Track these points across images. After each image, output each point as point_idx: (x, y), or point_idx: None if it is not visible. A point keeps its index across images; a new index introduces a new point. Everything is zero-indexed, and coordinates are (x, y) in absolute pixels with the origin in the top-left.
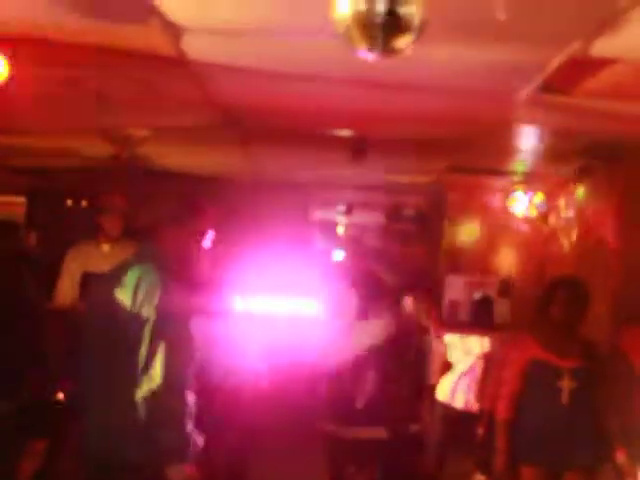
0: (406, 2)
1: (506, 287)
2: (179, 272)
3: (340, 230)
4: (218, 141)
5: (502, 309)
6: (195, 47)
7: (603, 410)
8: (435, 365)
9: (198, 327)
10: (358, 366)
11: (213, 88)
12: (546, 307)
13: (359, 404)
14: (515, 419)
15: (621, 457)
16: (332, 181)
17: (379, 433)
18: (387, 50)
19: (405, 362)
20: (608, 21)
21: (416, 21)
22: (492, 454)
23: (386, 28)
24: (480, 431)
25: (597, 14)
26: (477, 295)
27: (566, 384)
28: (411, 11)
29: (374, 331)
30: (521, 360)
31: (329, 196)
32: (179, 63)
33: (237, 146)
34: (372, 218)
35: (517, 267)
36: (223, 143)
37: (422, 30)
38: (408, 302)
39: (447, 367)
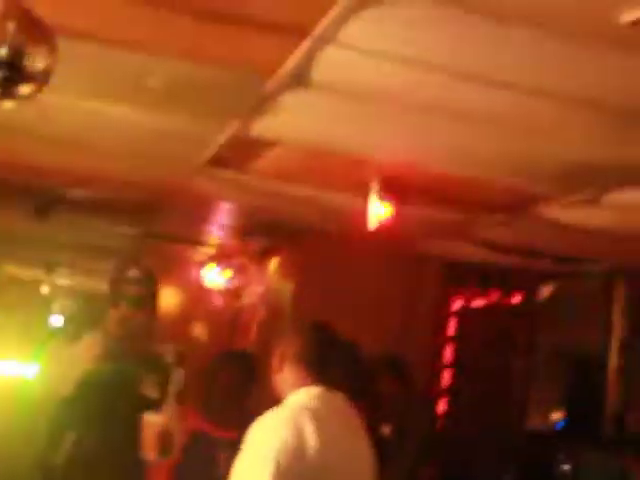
0: (29, 54)
1: (181, 357)
2: None
3: (45, 290)
4: None
5: (177, 378)
6: None
7: None
8: None
9: None
10: None
11: None
12: (211, 379)
13: None
14: None
15: None
16: (26, 238)
17: None
18: (8, 97)
19: None
20: (259, 104)
21: (39, 70)
22: None
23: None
24: None
25: (248, 97)
26: None
27: (222, 455)
28: (34, 62)
29: None
30: (183, 432)
31: (26, 254)
32: None
33: None
34: (79, 280)
35: (208, 337)
36: None
37: (46, 79)
38: None
39: None
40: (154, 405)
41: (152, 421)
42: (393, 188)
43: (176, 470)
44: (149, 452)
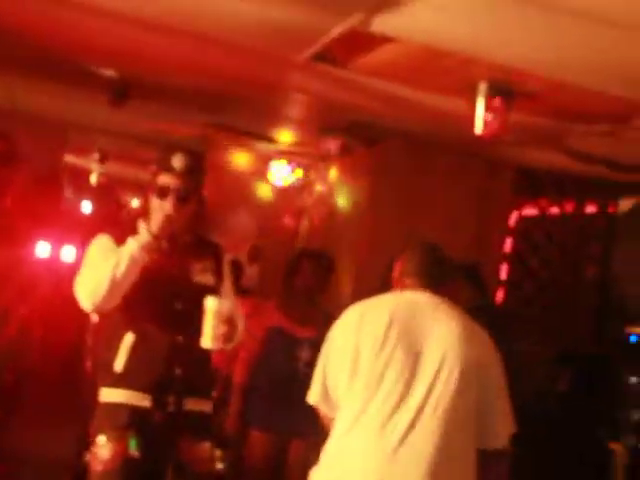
0: None
1: (256, 253)
2: None
3: (93, 179)
4: None
5: (251, 274)
6: None
7: None
8: None
9: None
10: None
11: None
12: (291, 277)
13: None
14: (251, 384)
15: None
16: (89, 124)
17: None
18: None
19: None
20: None
21: None
22: (225, 417)
23: None
24: (214, 393)
25: None
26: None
27: (304, 354)
28: None
29: None
30: (261, 326)
31: (84, 140)
32: None
33: None
34: (129, 169)
35: (269, 235)
36: None
37: None
38: None
39: None
40: (212, 291)
41: (211, 305)
42: (501, 92)
43: (254, 363)
44: (210, 339)
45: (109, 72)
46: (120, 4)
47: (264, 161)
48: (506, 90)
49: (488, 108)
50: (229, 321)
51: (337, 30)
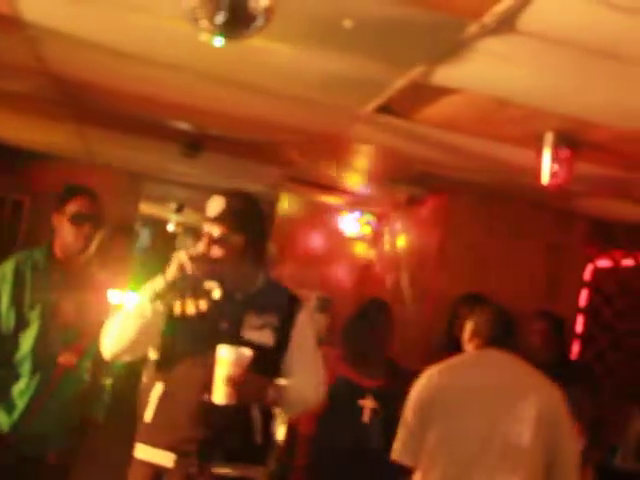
0: None
1: (325, 304)
2: None
3: (170, 228)
4: (51, 115)
5: (320, 324)
6: (32, 7)
7: None
8: None
9: None
10: None
11: (48, 55)
12: (356, 326)
13: None
14: (317, 435)
15: None
16: (166, 176)
17: None
18: (230, 34)
19: None
20: (452, 50)
21: (261, 8)
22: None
23: (231, 11)
24: (281, 443)
25: (443, 41)
26: None
27: (368, 403)
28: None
29: None
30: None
31: (161, 191)
32: (13, 22)
33: (71, 124)
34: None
35: (338, 285)
36: (57, 118)
37: (268, 19)
38: None
39: None
40: (267, 352)
41: (222, 356)
42: (568, 142)
43: (321, 415)
44: (219, 393)
45: (183, 125)
46: (193, 61)
47: (333, 212)
48: (572, 140)
49: (554, 159)
50: (243, 376)
51: (400, 83)
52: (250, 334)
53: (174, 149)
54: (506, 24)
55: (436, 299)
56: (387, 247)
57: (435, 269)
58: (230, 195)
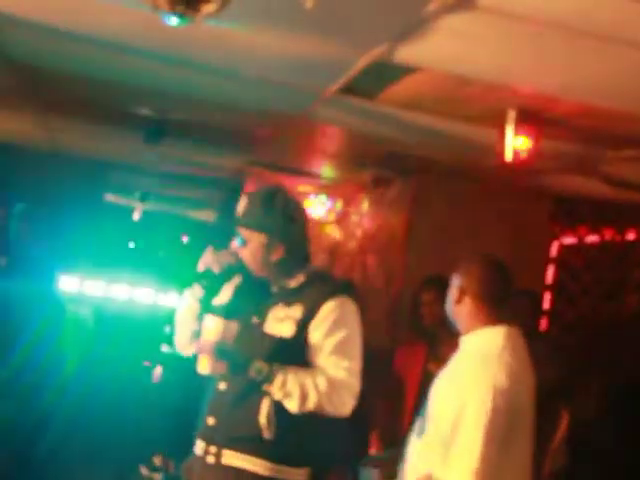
0: None
1: None
2: None
3: (136, 217)
4: (12, 105)
5: None
6: None
7: None
8: None
9: None
10: None
11: (5, 40)
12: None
13: None
14: None
15: None
16: (130, 164)
17: None
18: (189, 14)
19: None
20: (413, 27)
21: None
22: None
23: None
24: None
25: (404, 19)
26: None
27: None
28: None
29: None
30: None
31: (126, 180)
32: None
33: (33, 113)
34: (169, 207)
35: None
36: (18, 108)
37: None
38: None
39: None
40: (282, 344)
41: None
42: (531, 119)
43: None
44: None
45: (144, 110)
46: (152, 43)
47: (300, 195)
48: (535, 117)
49: (517, 136)
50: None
51: (362, 62)
52: (270, 327)
53: (137, 136)
54: (466, 0)
55: (404, 279)
56: (354, 229)
57: (402, 250)
58: (252, 194)
